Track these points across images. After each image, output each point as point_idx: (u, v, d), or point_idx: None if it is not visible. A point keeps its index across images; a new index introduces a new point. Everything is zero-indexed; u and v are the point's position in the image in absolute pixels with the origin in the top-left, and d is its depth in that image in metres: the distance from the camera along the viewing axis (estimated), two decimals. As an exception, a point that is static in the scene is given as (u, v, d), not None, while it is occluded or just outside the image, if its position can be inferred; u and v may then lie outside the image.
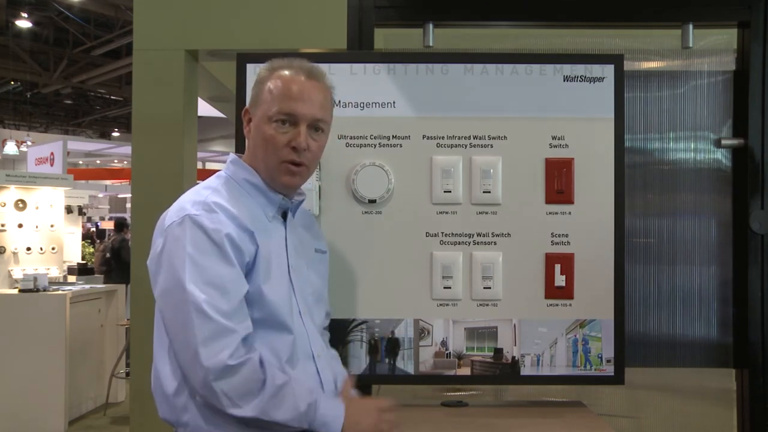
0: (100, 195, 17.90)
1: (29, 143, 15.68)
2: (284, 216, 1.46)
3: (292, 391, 1.26)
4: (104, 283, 6.60)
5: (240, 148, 1.68)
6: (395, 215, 1.81)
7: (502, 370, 1.81)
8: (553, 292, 1.81)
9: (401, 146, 1.82)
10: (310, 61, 1.44)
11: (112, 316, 5.51)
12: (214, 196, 1.33)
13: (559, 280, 1.80)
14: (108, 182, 17.53)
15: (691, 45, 2.01)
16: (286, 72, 1.39)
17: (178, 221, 1.29)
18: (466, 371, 1.81)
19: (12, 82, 15.11)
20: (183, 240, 1.27)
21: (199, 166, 13.78)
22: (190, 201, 1.32)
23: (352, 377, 1.53)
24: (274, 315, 1.34)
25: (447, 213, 1.82)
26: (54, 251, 7.45)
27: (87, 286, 5.46)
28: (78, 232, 9.65)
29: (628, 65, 1.94)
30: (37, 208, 7.31)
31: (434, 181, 1.81)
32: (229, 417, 1.25)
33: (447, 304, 1.81)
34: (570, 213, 1.82)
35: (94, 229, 13.98)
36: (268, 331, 1.33)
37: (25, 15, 11.45)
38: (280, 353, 1.34)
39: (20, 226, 7.16)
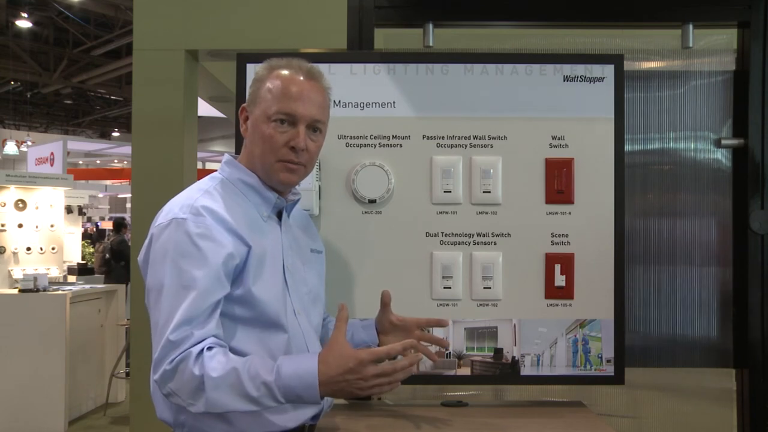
0: (100, 195, 17.91)
1: (29, 143, 15.68)
2: (279, 215, 1.46)
3: (237, 379, 1.19)
4: (104, 283, 6.60)
5: (240, 149, 1.68)
6: (395, 215, 1.81)
7: (502, 370, 1.81)
8: (553, 292, 1.81)
9: (401, 146, 1.82)
10: (310, 61, 1.44)
11: (112, 316, 5.51)
12: (204, 198, 1.33)
13: (559, 280, 1.80)
14: (108, 182, 17.54)
15: (691, 45, 2.01)
16: (286, 71, 1.39)
17: (165, 224, 1.30)
18: (466, 371, 1.81)
19: (12, 82, 15.11)
20: (167, 243, 1.27)
21: (199, 166, 13.80)
22: (179, 204, 1.32)
23: (342, 316, 1.30)
24: (266, 314, 1.33)
25: (447, 213, 1.82)
26: (54, 251, 7.45)
27: (87, 286, 5.46)
28: (78, 232, 9.65)
29: (628, 65, 1.94)
30: (37, 208, 7.31)
31: (434, 181, 1.81)
32: (223, 414, 1.24)
33: (447, 304, 1.81)
34: (570, 213, 1.82)
35: (94, 228, 13.99)
36: (261, 331, 1.33)
37: (25, 15, 11.46)
38: (274, 352, 1.33)
39: (20, 226, 7.16)
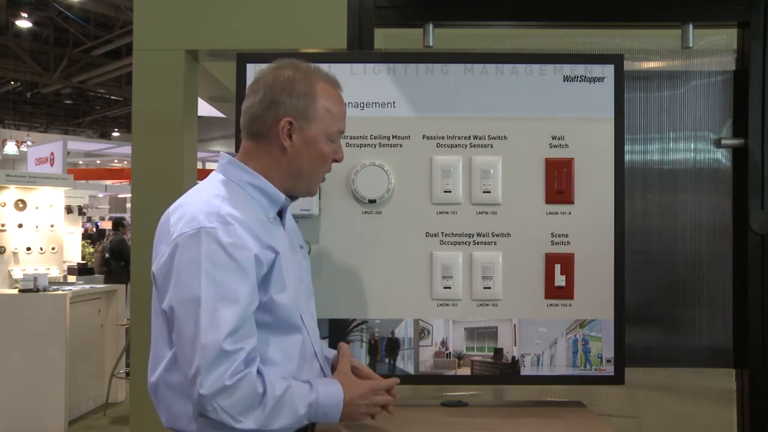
0: (100, 195, 17.91)
1: (29, 143, 15.69)
2: (279, 216, 1.45)
3: (290, 398, 1.27)
4: (105, 283, 6.60)
5: (238, 148, 1.67)
6: (395, 215, 1.81)
7: (502, 370, 1.81)
8: (553, 292, 1.81)
9: (401, 146, 1.82)
10: (310, 61, 1.44)
11: (112, 316, 5.51)
12: (226, 206, 1.29)
13: (559, 280, 1.80)
14: (108, 182, 17.53)
15: (691, 45, 2.01)
16: (332, 87, 1.42)
17: (191, 233, 1.24)
18: (466, 371, 1.81)
19: (12, 82, 15.11)
20: (198, 254, 1.23)
21: (199, 166, 13.79)
22: (201, 211, 1.27)
23: (347, 349, 1.48)
24: (286, 318, 1.33)
25: (447, 213, 1.82)
26: (54, 251, 7.45)
27: (87, 286, 5.46)
28: (78, 232, 9.65)
29: (628, 65, 1.95)
30: (37, 208, 7.31)
31: (434, 181, 1.81)
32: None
33: (447, 304, 1.81)
34: (570, 213, 1.82)
35: (94, 228, 13.99)
36: (280, 334, 1.33)
37: (25, 15, 11.46)
38: (292, 354, 1.34)
39: (20, 226, 7.16)
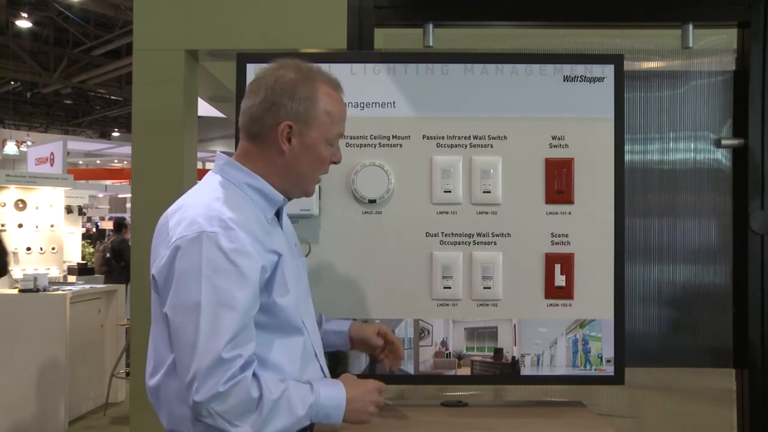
0: (100, 195, 17.92)
1: (29, 143, 15.69)
2: (277, 216, 1.45)
3: (288, 401, 1.25)
4: (105, 283, 6.61)
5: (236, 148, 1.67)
6: (395, 215, 1.81)
7: (502, 370, 1.81)
8: (553, 292, 1.81)
9: (401, 146, 1.82)
10: (310, 61, 1.44)
11: (112, 316, 5.51)
12: (228, 210, 1.28)
13: (559, 280, 1.80)
14: (108, 182, 17.53)
15: (691, 45, 2.01)
16: (334, 90, 1.41)
17: (192, 236, 1.23)
18: (466, 371, 1.81)
19: (12, 82, 15.12)
20: (199, 259, 1.22)
21: (199, 166, 13.77)
22: (202, 215, 1.26)
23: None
24: (288, 320, 1.34)
25: (447, 213, 1.82)
26: (54, 251, 7.46)
27: (87, 286, 5.46)
28: (78, 232, 9.65)
29: (628, 65, 1.94)
30: (37, 208, 7.31)
31: (434, 181, 1.81)
32: None
33: (447, 304, 1.81)
34: (570, 213, 1.82)
35: (94, 228, 13.99)
36: (282, 336, 1.33)
37: (25, 15, 11.47)
38: (294, 355, 1.35)
39: (20, 226, 7.17)
